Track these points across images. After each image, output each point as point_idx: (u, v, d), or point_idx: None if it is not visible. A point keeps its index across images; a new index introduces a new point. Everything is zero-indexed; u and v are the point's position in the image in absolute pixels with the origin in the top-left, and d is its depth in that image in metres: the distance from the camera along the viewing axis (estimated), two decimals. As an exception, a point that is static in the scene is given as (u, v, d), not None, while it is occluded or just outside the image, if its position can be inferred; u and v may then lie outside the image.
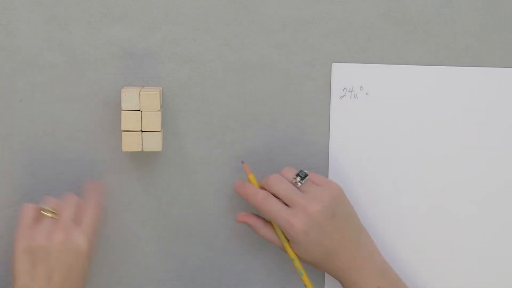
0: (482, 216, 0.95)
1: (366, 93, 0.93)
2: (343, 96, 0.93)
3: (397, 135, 0.94)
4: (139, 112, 0.86)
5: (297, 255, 0.87)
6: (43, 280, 0.81)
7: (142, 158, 0.93)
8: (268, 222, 0.90)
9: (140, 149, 0.86)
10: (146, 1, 0.90)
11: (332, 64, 0.93)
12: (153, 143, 0.87)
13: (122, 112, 0.86)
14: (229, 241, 0.95)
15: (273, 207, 0.86)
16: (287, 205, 0.86)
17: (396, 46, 0.93)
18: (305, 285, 0.89)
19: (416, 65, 0.93)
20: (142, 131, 0.86)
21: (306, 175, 0.87)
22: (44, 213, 0.85)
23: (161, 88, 0.91)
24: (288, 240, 0.88)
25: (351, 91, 0.93)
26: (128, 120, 0.86)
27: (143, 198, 0.94)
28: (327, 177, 0.94)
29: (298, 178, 0.87)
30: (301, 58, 0.92)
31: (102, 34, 0.90)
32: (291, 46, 0.92)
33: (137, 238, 0.94)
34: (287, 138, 0.94)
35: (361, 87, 0.93)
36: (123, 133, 0.86)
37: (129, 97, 0.86)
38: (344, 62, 0.93)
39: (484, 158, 0.95)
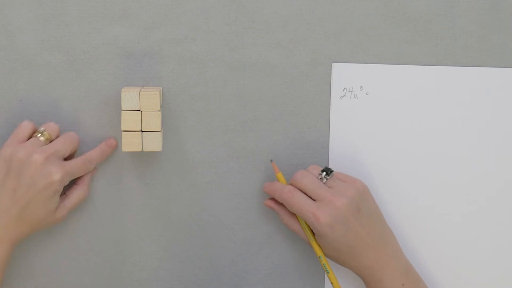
0: (483, 215, 0.95)
1: (366, 93, 0.93)
2: (343, 96, 0.93)
3: (397, 135, 0.94)
4: (139, 112, 0.86)
5: (322, 250, 0.88)
6: (10, 190, 0.84)
7: (142, 158, 0.93)
8: (294, 214, 0.90)
9: (140, 149, 0.86)
10: (146, 1, 0.90)
11: (332, 64, 0.93)
12: (153, 143, 0.87)
13: (122, 112, 0.86)
14: (229, 241, 0.95)
15: (299, 201, 0.86)
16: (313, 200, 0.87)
17: (396, 46, 0.93)
18: (332, 283, 0.89)
19: (416, 65, 0.93)
20: (142, 131, 0.86)
21: (331, 171, 0.88)
22: (38, 134, 0.87)
23: (161, 88, 0.91)
24: (313, 235, 0.88)
25: (351, 91, 0.93)
26: (128, 120, 0.86)
27: (143, 198, 0.94)
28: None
29: (324, 174, 0.88)
30: (301, 58, 0.92)
31: (102, 34, 0.90)
32: (291, 46, 0.92)
33: (137, 238, 0.94)
34: (287, 138, 0.94)
35: (361, 87, 0.93)
36: (123, 133, 0.86)
37: (129, 97, 0.86)
38: (344, 62, 0.93)
39: (484, 157, 0.95)
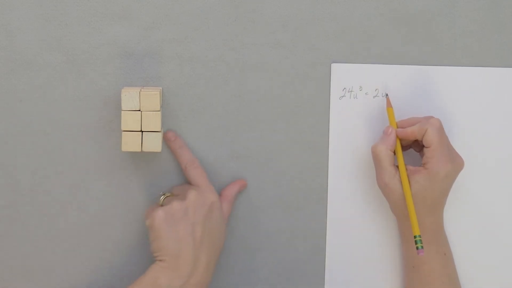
0: (478, 216, 0.95)
1: (366, 93, 0.93)
2: (342, 96, 0.93)
3: (397, 135, 0.94)
4: (139, 112, 0.86)
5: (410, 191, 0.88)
6: (187, 236, 0.85)
7: (142, 158, 0.93)
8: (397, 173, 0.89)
9: (140, 149, 0.87)
10: (146, 1, 0.90)
11: (332, 64, 0.93)
12: (153, 143, 0.87)
13: (122, 112, 0.86)
14: (229, 241, 0.95)
15: (444, 139, 0.88)
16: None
17: (396, 46, 0.93)
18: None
19: (416, 65, 0.93)
20: (142, 131, 0.86)
21: None
22: (167, 195, 0.90)
23: (161, 88, 0.91)
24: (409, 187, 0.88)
25: (351, 91, 0.93)
26: (128, 120, 0.86)
27: (143, 198, 0.94)
28: (327, 177, 0.94)
29: None
30: (301, 58, 0.92)
31: (102, 34, 0.90)
32: (291, 46, 0.92)
33: (137, 238, 0.94)
34: (287, 138, 0.94)
35: (360, 87, 0.93)
36: (123, 133, 0.86)
37: (129, 97, 0.86)
38: (344, 62, 0.93)
39: (484, 157, 0.95)
